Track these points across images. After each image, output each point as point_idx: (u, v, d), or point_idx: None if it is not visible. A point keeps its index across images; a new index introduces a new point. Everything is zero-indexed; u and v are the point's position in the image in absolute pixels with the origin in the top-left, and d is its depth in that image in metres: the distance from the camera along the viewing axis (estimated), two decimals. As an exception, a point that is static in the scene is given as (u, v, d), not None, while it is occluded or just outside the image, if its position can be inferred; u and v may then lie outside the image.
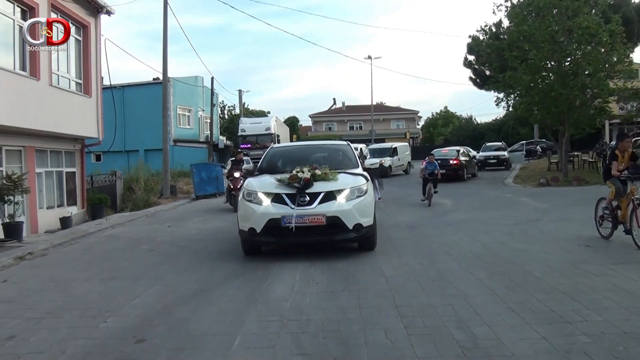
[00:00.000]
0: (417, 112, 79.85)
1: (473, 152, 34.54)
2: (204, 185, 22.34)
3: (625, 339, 4.37)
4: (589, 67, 21.89)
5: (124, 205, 20.97)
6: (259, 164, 10.25)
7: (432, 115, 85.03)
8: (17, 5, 13.56)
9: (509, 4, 25.61)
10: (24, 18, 13.54)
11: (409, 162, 33.62)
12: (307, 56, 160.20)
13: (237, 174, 15.74)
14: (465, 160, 25.55)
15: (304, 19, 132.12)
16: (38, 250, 10.52)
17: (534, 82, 22.39)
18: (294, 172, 8.34)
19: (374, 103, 68.73)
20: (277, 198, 8.14)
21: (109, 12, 17.45)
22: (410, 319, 5.03)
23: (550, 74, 23.01)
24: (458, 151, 26.39)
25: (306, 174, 8.21)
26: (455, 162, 24.16)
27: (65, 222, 14.65)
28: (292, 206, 7.95)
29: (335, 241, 8.28)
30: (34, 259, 9.80)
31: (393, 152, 31.05)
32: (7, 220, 11.93)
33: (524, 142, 40.64)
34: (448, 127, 75.40)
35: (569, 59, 22.36)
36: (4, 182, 12.02)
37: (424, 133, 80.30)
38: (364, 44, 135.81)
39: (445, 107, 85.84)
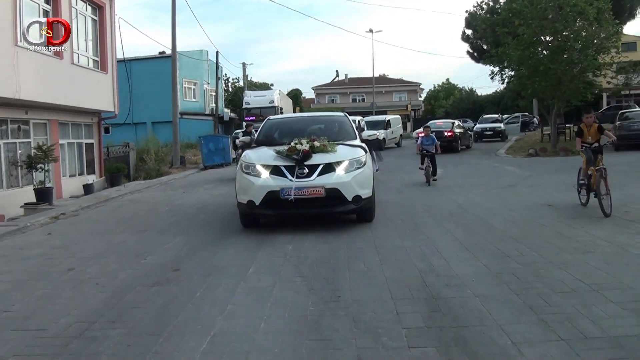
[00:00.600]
0: (419, 84, 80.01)
1: (470, 124, 35.58)
2: (212, 156, 23.73)
3: (549, 266, 5.73)
4: (577, 43, 22.97)
5: (137, 175, 22.33)
6: (256, 136, 10.21)
7: (434, 87, 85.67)
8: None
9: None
10: (47, 2, 14.71)
11: (401, 135, 34.66)
12: (310, 27, 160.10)
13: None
14: (459, 132, 26.63)
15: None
16: (70, 212, 11.95)
17: (524, 57, 23.44)
18: (292, 144, 8.33)
19: (377, 75, 69.56)
20: (275, 170, 8.13)
21: (121, -7, 18.54)
22: (384, 255, 6.44)
23: (541, 49, 24.07)
24: (453, 123, 27.51)
25: (305, 146, 8.20)
26: (449, 134, 25.13)
27: (88, 189, 16.09)
28: (291, 178, 7.96)
29: (335, 213, 8.39)
30: (68, 218, 11.23)
31: (387, 124, 31.58)
32: (39, 186, 13.33)
33: (519, 114, 41.68)
34: (449, 99, 76.04)
35: (558, 36, 23.34)
36: (36, 152, 13.39)
37: (426, 105, 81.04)
38: (366, 15, 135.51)
39: (447, 80, 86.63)
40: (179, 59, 37.13)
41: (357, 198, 8.04)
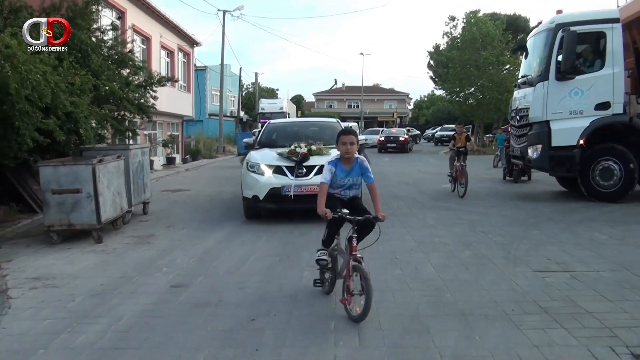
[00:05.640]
0: (408, 94, 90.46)
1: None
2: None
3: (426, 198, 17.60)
4: (490, 84, 34.87)
5: (195, 157, 34.11)
6: (258, 138, 11.30)
7: (420, 97, 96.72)
8: (163, 49, 26.37)
9: (453, 30, 38.17)
10: (167, 56, 26.57)
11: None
12: (312, 29, 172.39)
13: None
14: (409, 137, 37.94)
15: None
16: (189, 169, 23.89)
17: (454, 88, 35.57)
18: (292, 147, 9.16)
19: (370, 84, 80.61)
20: (277, 169, 9.03)
21: (199, 45, 30.66)
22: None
23: (467, 84, 36.12)
24: (404, 131, 38.96)
25: (303, 149, 8.99)
26: (403, 139, 36.13)
27: (185, 161, 28.05)
28: (291, 177, 8.83)
29: None
30: (189, 172, 23.13)
31: None
32: (168, 156, 25.29)
33: (470, 125, 53.51)
34: (430, 109, 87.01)
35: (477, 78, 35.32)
36: (169, 137, 25.31)
37: (413, 113, 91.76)
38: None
39: (432, 91, 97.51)
40: (209, 72, 49.32)
41: None
